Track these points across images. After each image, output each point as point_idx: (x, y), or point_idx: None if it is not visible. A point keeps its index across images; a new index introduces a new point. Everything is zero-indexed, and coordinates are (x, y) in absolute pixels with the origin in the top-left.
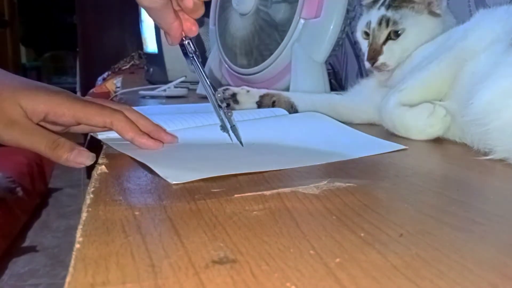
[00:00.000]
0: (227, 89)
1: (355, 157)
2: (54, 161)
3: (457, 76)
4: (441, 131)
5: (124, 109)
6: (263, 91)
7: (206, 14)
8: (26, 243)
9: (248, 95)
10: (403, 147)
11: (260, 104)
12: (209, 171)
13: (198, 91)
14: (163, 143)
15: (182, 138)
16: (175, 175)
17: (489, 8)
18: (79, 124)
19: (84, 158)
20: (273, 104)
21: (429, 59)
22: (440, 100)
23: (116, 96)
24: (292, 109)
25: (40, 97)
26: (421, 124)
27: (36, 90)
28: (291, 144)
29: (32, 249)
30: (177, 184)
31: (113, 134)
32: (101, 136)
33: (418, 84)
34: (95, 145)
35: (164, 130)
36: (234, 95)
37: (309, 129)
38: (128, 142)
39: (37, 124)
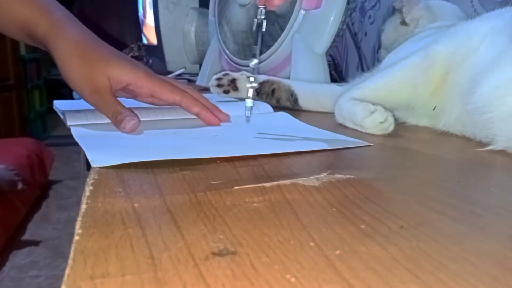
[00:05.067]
0: (226, 74)
1: (322, 148)
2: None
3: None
4: (379, 133)
5: (188, 89)
6: (263, 78)
7: (206, 4)
8: (26, 235)
9: (247, 81)
10: (366, 143)
11: (259, 91)
12: (141, 156)
13: (197, 83)
14: (220, 120)
15: (150, 128)
16: (100, 159)
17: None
18: (152, 96)
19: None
20: (272, 92)
21: (399, 59)
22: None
23: None
24: (292, 97)
25: (125, 69)
26: (357, 123)
27: (123, 62)
28: (257, 136)
29: (32, 241)
30: (100, 167)
31: (84, 131)
32: (70, 123)
33: (375, 84)
34: None
35: (220, 110)
36: (233, 81)
37: (275, 124)
38: (85, 128)
39: (119, 90)
